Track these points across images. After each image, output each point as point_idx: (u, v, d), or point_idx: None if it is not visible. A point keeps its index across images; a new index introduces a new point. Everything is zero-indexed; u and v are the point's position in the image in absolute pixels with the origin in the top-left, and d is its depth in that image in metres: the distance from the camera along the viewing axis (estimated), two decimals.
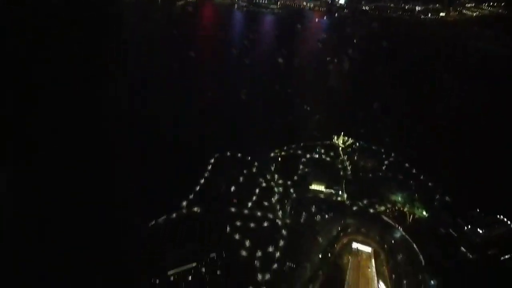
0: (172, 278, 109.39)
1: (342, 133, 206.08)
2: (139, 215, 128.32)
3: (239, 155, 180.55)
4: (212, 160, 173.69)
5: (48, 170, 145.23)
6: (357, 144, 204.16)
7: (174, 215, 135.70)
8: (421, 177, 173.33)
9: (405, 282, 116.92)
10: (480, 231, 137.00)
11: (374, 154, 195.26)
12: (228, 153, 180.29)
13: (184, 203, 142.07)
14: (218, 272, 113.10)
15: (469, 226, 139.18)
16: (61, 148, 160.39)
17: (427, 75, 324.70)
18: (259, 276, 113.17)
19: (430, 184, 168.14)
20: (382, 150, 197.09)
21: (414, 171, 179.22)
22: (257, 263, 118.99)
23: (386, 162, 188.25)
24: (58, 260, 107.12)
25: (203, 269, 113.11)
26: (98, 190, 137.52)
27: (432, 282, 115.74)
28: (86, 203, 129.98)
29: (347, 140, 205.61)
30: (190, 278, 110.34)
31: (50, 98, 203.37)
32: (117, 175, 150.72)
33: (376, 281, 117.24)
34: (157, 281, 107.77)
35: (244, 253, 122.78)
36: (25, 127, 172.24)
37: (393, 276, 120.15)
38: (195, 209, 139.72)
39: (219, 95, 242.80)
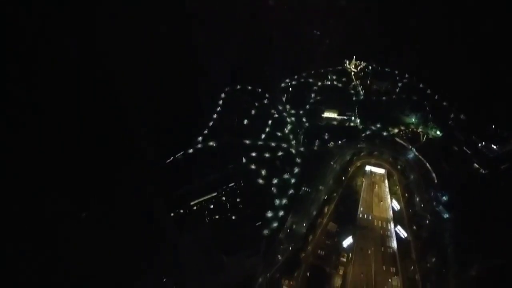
0: (195, 208, 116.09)
1: (354, 57, 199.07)
2: (158, 152, 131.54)
3: (249, 87, 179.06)
4: (223, 95, 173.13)
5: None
6: (370, 67, 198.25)
7: (191, 150, 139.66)
8: (436, 97, 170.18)
9: (417, 199, 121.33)
10: (495, 147, 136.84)
11: (387, 76, 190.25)
12: (238, 86, 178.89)
13: (200, 139, 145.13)
14: (238, 200, 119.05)
15: (483, 143, 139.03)
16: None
17: None
18: (277, 201, 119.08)
19: (444, 103, 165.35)
20: (396, 72, 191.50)
21: (428, 91, 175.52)
22: (274, 189, 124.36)
23: (399, 84, 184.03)
24: (82, 198, 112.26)
25: (223, 198, 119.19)
26: (114, 131, 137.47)
27: (444, 198, 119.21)
28: (103, 144, 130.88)
29: (360, 64, 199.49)
30: (212, 206, 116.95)
31: None
32: (132, 118, 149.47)
33: (389, 200, 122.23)
34: (181, 211, 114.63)
35: (261, 181, 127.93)
36: None
37: (406, 194, 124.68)
38: (211, 143, 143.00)
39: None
